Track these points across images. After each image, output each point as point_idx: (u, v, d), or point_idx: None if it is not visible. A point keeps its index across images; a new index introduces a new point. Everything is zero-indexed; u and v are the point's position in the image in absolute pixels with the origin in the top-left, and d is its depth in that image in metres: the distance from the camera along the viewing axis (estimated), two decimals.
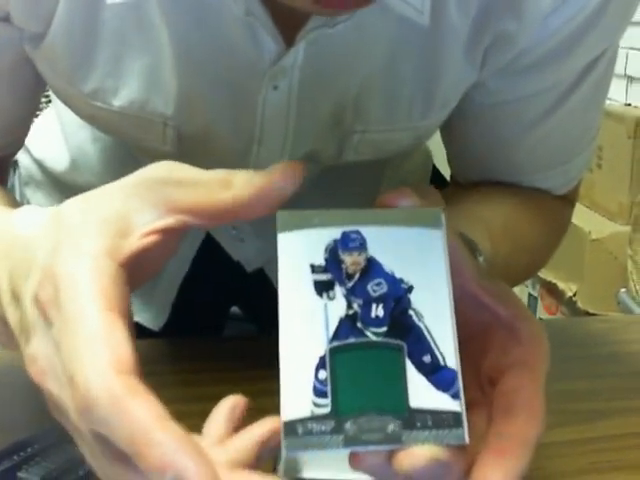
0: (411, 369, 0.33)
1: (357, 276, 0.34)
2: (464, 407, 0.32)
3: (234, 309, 0.97)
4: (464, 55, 0.57)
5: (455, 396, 0.32)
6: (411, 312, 0.33)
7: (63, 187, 0.79)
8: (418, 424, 0.32)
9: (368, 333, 0.33)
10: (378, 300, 0.33)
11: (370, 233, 0.34)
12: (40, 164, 0.81)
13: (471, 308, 0.37)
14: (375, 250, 0.34)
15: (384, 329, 0.33)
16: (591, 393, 0.63)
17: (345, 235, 0.34)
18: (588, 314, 2.04)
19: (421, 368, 0.33)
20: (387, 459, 0.32)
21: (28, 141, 0.79)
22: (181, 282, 0.79)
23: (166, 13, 0.52)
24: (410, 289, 0.34)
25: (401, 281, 0.34)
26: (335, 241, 0.34)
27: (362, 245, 0.34)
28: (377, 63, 0.57)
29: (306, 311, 0.33)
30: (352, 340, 0.33)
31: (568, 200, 0.72)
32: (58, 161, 0.78)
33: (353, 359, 0.32)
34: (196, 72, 0.55)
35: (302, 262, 0.33)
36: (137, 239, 0.34)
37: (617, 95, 2.24)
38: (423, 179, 0.87)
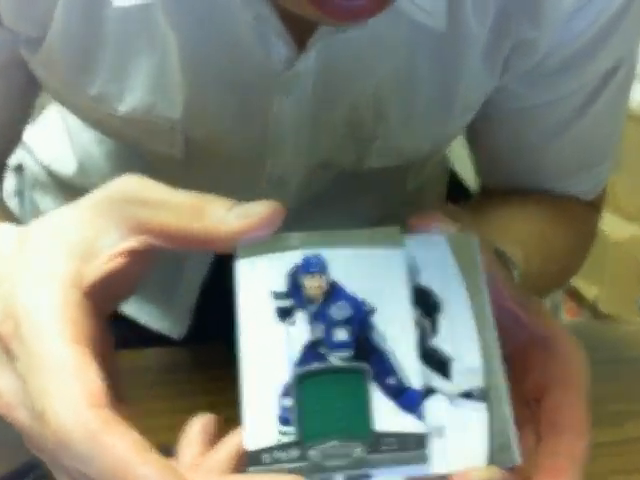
0: (376, 392, 0.32)
1: (320, 300, 0.33)
2: (514, 429, 0.32)
3: None
4: (482, 62, 0.57)
5: (421, 417, 0.32)
6: (374, 334, 0.33)
7: (71, 190, 0.77)
8: (383, 447, 0.32)
9: (332, 358, 0.33)
10: (341, 323, 0.33)
11: (331, 255, 0.33)
12: (46, 168, 0.79)
13: (510, 326, 0.37)
14: (337, 273, 0.33)
15: (348, 353, 0.33)
16: (619, 395, 0.63)
17: (306, 259, 0.33)
18: (609, 317, 2.02)
19: (386, 390, 0.32)
20: None
21: (33, 144, 0.78)
22: (202, 288, 0.77)
23: (172, 15, 0.51)
24: (373, 311, 0.33)
25: (363, 303, 0.33)
26: (296, 265, 0.33)
27: (324, 268, 0.33)
28: (392, 68, 0.56)
29: (267, 338, 0.32)
30: (315, 366, 0.32)
31: (595, 207, 0.72)
32: (65, 165, 0.77)
33: (317, 385, 0.32)
34: (203, 75, 0.55)
35: (262, 289, 0.33)
36: (102, 263, 0.34)
37: (635, 95, 2.22)
38: (441, 182, 0.86)
